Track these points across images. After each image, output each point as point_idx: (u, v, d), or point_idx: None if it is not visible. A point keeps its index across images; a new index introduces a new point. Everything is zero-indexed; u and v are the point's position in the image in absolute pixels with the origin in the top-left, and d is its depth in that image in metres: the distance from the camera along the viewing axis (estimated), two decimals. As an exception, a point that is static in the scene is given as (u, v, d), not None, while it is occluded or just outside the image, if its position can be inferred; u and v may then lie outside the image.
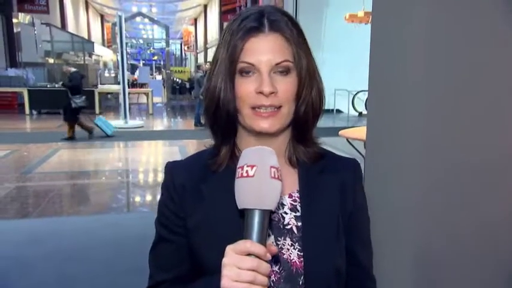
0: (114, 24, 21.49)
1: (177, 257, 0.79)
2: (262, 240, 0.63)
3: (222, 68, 0.75)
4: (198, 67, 17.48)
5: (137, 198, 5.36)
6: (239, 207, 0.66)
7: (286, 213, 0.78)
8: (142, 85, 17.27)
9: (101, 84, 15.95)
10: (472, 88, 1.13)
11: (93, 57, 22.09)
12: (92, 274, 3.08)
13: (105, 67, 22.69)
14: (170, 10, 32.44)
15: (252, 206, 0.64)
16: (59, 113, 9.03)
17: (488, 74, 1.13)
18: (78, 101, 8.25)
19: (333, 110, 12.59)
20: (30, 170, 6.30)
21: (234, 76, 0.74)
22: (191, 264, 0.78)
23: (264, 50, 0.72)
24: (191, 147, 8.22)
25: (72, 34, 19.82)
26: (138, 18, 29.81)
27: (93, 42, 22.95)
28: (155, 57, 37.31)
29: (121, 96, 11.57)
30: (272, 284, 0.73)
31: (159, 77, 26.36)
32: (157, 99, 17.75)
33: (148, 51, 38.93)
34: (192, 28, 37.04)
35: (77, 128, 8.59)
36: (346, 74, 11.76)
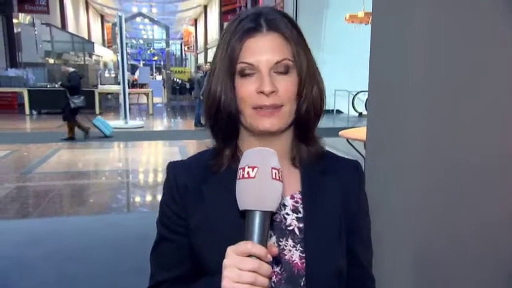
0: (114, 25, 21.50)
1: (178, 257, 0.79)
2: (263, 242, 0.63)
3: (222, 70, 0.75)
4: (198, 67, 17.50)
5: (137, 199, 5.37)
6: (240, 209, 0.66)
7: (288, 214, 0.78)
8: (142, 85, 17.28)
9: (101, 84, 15.96)
10: (472, 88, 1.13)
11: (93, 57, 22.11)
12: (92, 274, 3.08)
13: (105, 67, 22.69)
14: (170, 10, 32.46)
15: (253, 207, 0.64)
16: (59, 113, 9.03)
17: (488, 74, 1.13)
18: (76, 101, 8.26)
19: (333, 111, 12.60)
20: (30, 170, 6.31)
21: (234, 77, 0.74)
22: (192, 264, 0.78)
23: (263, 50, 0.72)
24: (191, 147, 8.22)
25: (72, 34, 19.84)
26: (138, 19, 29.80)
27: (93, 43, 22.98)
28: (155, 58, 37.35)
29: (121, 97, 11.57)
30: (273, 285, 0.73)
31: (159, 78, 26.40)
32: (157, 100, 17.76)
33: (149, 52, 38.97)
34: (192, 28, 37.06)
35: (77, 129, 8.60)
36: (346, 74, 11.77)
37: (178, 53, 42.10)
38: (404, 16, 1.15)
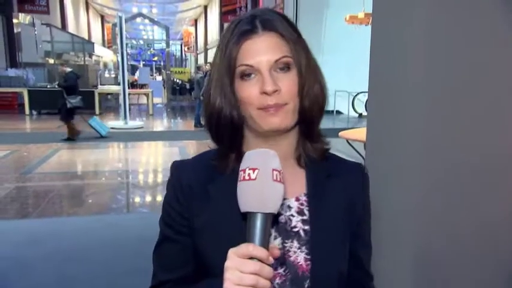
0: (114, 25, 21.51)
1: (182, 258, 0.79)
2: (265, 244, 0.62)
3: (221, 74, 0.74)
4: (198, 68, 17.47)
5: (137, 199, 5.37)
6: (241, 211, 0.66)
7: (293, 216, 0.78)
8: (142, 86, 17.26)
9: (101, 84, 15.94)
10: (472, 89, 1.13)
11: (93, 57, 22.10)
12: (92, 275, 3.08)
13: (105, 68, 22.68)
14: (170, 11, 32.49)
15: (254, 209, 0.64)
16: (58, 113, 9.01)
17: (488, 74, 1.13)
18: (73, 101, 8.23)
19: (333, 111, 12.59)
20: (30, 170, 6.31)
21: (234, 81, 0.74)
22: (196, 265, 0.78)
23: (261, 50, 0.72)
24: (191, 148, 8.22)
25: (72, 34, 19.84)
26: (138, 19, 29.82)
27: (93, 43, 22.99)
28: (155, 58, 37.35)
29: (121, 97, 11.56)
30: (277, 287, 0.74)
31: (159, 78, 26.37)
32: (157, 100, 17.76)
33: (149, 52, 38.97)
34: (192, 29, 37.08)
35: (67, 128, 8.56)
36: (346, 75, 11.76)
37: (179, 53, 42.12)
38: (404, 17, 1.15)
